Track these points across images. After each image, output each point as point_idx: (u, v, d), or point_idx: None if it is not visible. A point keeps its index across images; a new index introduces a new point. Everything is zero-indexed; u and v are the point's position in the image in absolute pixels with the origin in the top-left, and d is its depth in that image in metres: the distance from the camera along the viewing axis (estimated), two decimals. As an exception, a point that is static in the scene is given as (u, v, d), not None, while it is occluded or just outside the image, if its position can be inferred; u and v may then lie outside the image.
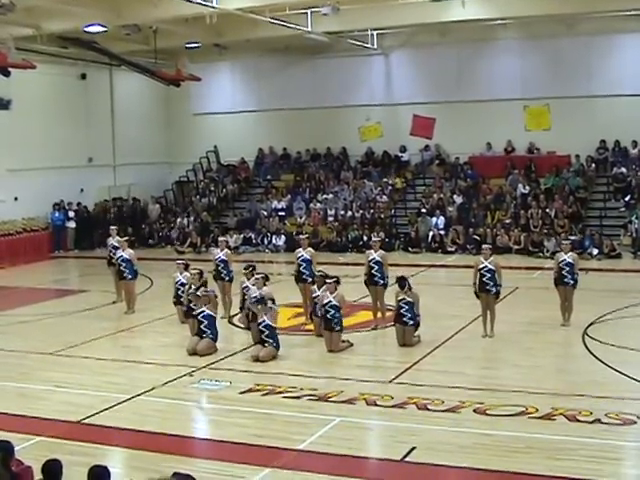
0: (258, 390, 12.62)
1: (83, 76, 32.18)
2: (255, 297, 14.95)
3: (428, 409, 11.47)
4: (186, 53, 30.70)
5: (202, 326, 15.08)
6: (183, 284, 17.00)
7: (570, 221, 27.19)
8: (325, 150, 33.93)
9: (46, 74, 29.07)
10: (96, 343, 16.09)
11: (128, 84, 34.10)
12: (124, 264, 18.80)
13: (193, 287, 15.87)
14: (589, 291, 18.54)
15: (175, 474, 5.69)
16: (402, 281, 15.30)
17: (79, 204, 31.34)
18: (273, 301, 14.68)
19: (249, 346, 15.22)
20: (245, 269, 16.31)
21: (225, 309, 17.83)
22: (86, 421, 11.32)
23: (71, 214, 30.82)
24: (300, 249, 17.80)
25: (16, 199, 29.22)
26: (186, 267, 17.37)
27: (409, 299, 15.05)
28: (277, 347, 14.55)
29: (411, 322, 15.04)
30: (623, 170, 28.57)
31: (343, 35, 29.59)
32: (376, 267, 16.73)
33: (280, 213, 31.43)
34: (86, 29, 25.31)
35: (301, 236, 18.54)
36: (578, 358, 14.42)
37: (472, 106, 30.60)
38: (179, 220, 31.74)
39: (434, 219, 28.89)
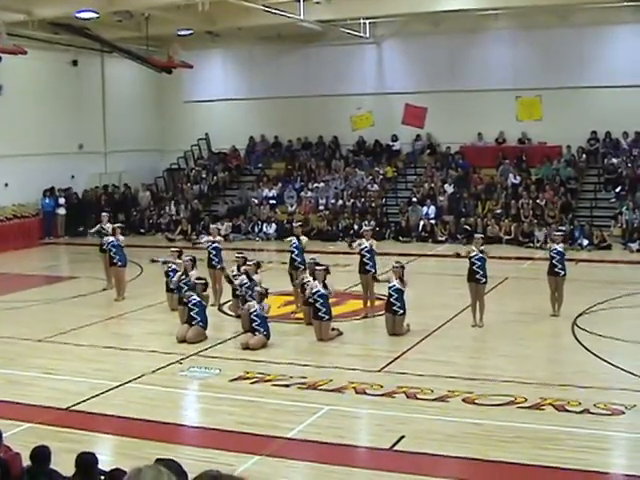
0: (247, 378, 12.63)
1: (74, 62, 31.94)
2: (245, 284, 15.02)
3: (417, 398, 11.50)
4: (178, 40, 30.53)
5: (192, 313, 15.06)
6: (175, 270, 16.97)
7: (561, 212, 27.23)
8: (317, 139, 33.82)
9: (37, 60, 28.82)
10: (86, 330, 16.04)
11: (120, 71, 33.91)
12: (114, 250, 18.75)
13: (185, 274, 15.86)
14: (579, 282, 18.56)
15: (158, 460, 5.68)
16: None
17: (67, 189, 31.12)
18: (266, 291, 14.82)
19: (239, 334, 15.24)
20: (253, 264, 16.15)
21: (215, 297, 17.81)
22: (75, 408, 11.32)
23: (61, 200, 30.69)
24: (293, 237, 17.84)
25: (6, 185, 29.07)
26: (179, 254, 17.37)
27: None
28: (267, 335, 14.56)
29: (401, 311, 15.06)
30: (614, 161, 28.57)
31: (336, 24, 29.48)
32: (367, 255, 16.73)
33: (271, 201, 31.33)
34: (78, 15, 25.16)
35: (294, 224, 18.51)
36: (567, 348, 14.49)
37: (464, 96, 30.52)
38: (168, 208, 31.63)
39: (425, 208, 28.87)
